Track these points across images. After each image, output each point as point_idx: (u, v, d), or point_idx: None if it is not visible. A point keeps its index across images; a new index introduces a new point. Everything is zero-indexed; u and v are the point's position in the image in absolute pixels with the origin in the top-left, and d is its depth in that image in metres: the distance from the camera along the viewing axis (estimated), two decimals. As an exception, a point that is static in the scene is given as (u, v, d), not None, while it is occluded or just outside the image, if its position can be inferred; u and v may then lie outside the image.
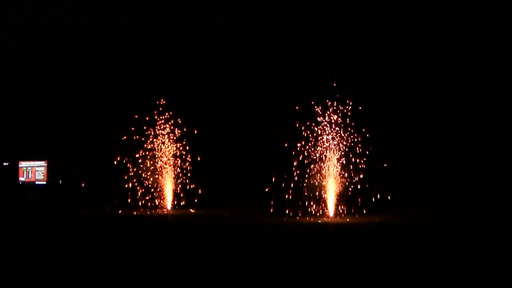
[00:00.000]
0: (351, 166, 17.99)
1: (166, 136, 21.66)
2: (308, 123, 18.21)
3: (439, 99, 32.61)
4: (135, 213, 20.26)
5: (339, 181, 18.18)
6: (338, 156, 18.08)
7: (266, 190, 17.97)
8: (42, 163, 30.88)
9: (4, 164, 32.25)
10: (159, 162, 21.56)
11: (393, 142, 24.53)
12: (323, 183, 18.15)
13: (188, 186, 21.64)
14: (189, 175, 21.65)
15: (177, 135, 21.71)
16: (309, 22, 48.72)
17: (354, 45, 33.24)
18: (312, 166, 18.14)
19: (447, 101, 32.20)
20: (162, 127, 21.60)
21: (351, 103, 18.18)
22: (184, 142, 21.72)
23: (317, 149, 18.17)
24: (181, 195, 21.66)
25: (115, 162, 20.66)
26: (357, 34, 43.06)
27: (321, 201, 18.20)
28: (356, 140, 18.03)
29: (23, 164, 31.22)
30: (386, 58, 34.96)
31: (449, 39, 40.37)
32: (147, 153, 21.37)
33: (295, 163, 18.00)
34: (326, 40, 35.13)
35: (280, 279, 8.15)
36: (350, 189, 18.02)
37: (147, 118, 21.39)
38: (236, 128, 29.82)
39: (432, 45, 40.72)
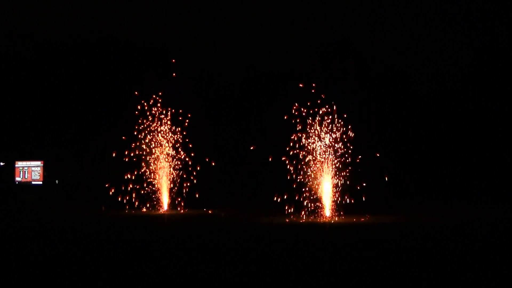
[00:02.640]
0: (348, 166, 17.99)
1: (165, 135, 21.65)
2: (307, 127, 18.21)
3: (439, 99, 32.59)
4: (134, 212, 20.26)
5: (338, 181, 18.16)
6: (336, 155, 18.07)
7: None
8: (38, 163, 30.82)
9: (1, 164, 32.23)
10: (157, 162, 21.55)
11: (393, 142, 24.52)
12: (322, 182, 18.14)
13: (187, 186, 21.61)
14: (186, 174, 21.64)
15: (177, 135, 21.72)
16: (309, 22, 48.60)
17: (354, 45, 33.23)
18: (310, 165, 18.13)
19: (447, 101, 32.19)
20: (161, 126, 21.61)
21: (350, 103, 18.17)
22: (181, 140, 21.72)
23: (316, 148, 18.16)
24: (180, 195, 21.64)
25: (113, 162, 20.66)
26: (357, 34, 42.96)
27: (320, 201, 18.19)
28: (356, 140, 18.02)
29: (19, 164, 31.17)
30: (386, 58, 34.96)
31: (449, 39, 40.26)
32: (146, 152, 21.37)
33: (294, 162, 18.01)
34: (326, 40, 35.08)
35: (280, 279, 8.14)
36: (350, 188, 18.01)
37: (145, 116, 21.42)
38: (236, 128, 29.81)
39: (432, 45, 40.63)
